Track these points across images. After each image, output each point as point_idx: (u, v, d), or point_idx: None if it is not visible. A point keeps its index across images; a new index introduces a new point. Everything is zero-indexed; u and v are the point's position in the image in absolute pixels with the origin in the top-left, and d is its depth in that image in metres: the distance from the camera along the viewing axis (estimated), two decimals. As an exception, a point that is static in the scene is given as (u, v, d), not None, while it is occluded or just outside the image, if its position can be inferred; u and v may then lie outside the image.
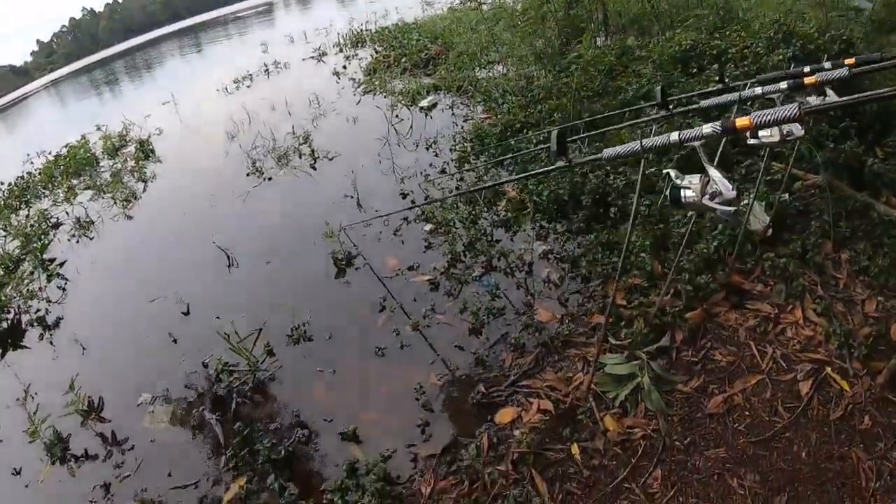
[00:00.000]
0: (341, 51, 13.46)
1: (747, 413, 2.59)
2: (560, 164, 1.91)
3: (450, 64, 8.97)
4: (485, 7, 8.44)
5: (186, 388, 3.47)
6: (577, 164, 1.92)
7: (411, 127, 6.93)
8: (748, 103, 3.00)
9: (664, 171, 1.75)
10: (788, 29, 4.86)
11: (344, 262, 4.36)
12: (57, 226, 6.80)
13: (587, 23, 7.44)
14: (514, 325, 3.33)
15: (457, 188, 4.99)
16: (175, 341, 3.93)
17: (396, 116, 7.43)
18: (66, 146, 10.07)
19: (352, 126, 7.69)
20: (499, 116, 6.04)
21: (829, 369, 2.69)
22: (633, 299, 3.20)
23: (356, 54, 12.54)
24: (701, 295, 3.14)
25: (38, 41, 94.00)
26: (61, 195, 7.88)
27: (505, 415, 2.79)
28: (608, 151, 1.89)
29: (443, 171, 5.43)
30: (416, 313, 3.62)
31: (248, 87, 11.99)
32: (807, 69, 2.50)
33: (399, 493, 2.55)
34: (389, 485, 2.58)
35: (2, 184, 9.10)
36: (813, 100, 2.38)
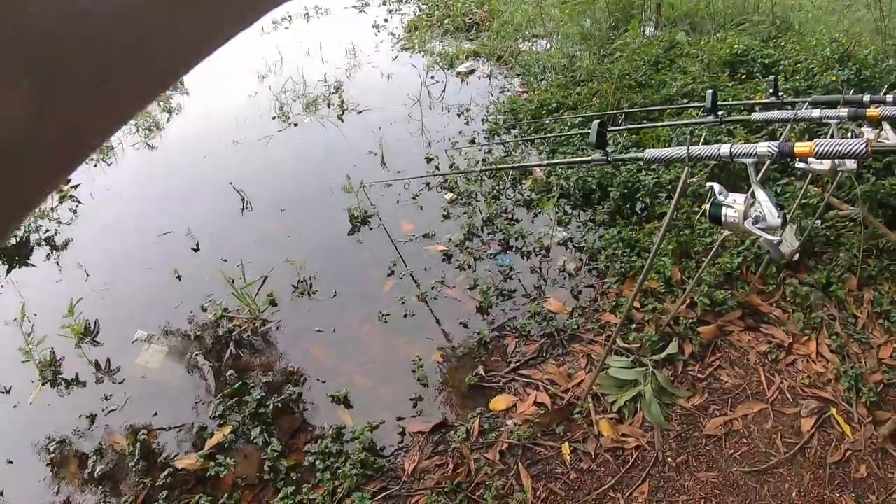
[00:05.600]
0: (385, 3, 13.21)
1: (745, 441, 2.53)
2: (597, 156, 1.79)
3: (493, 32, 8.74)
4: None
5: (184, 330, 3.43)
6: (615, 160, 1.80)
7: (444, 91, 6.76)
8: (800, 124, 2.85)
9: (708, 184, 1.63)
10: (846, 51, 4.64)
11: (359, 220, 4.27)
12: (76, 144, 6.69)
13: (639, 10, 7.21)
14: (522, 311, 3.26)
15: (483, 160, 4.85)
16: (179, 278, 3.88)
17: (432, 78, 7.21)
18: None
19: (385, 82, 7.47)
20: (536, 93, 5.87)
21: (833, 410, 2.62)
22: (648, 304, 3.11)
23: (399, 9, 12.26)
24: (717, 310, 3.05)
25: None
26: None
27: (500, 402, 2.73)
28: (651, 153, 1.77)
29: (472, 141, 5.29)
30: (425, 283, 3.55)
31: (287, 28, 11.76)
32: (866, 98, 2.37)
33: (381, 466, 2.51)
34: (373, 455, 2.54)
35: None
36: (868, 132, 2.25)
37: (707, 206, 1.60)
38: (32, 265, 4.40)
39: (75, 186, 5.50)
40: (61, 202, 5.31)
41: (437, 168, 4.85)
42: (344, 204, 4.37)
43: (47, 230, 4.85)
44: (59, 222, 4.95)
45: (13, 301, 3.82)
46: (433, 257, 3.80)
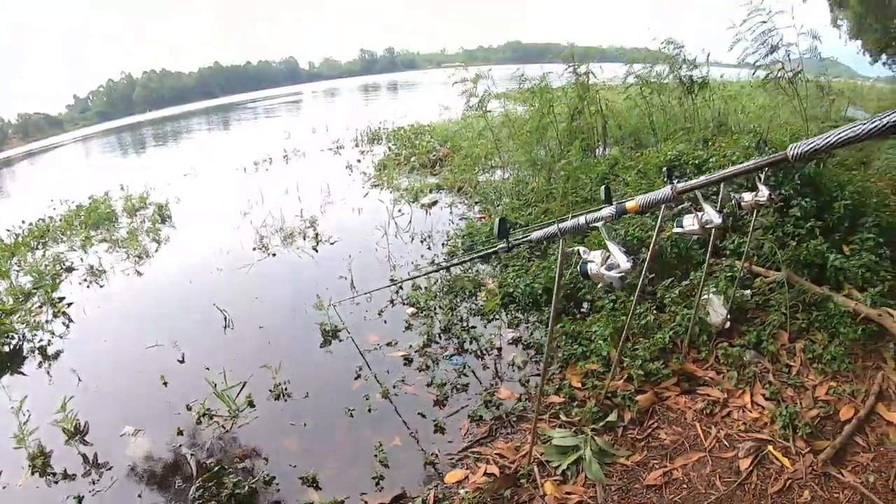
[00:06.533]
0: (357, 146, 14.33)
1: (685, 486, 2.79)
2: (501, 245, 2.41)
3: (454, 166, 9.67)
4: (493, 115, 9.18)
5: (169, 426, 3.73)
6: (513, 245, 2.39)
7: (410, 221, 7.48)
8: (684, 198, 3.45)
9: (575, 249, 2.18)
10: (762, 137, 5.40)
11: (330, 334, 4.71)
12: (70, 270, 7.11)
13: (587, 134, 8.08)
14: (475, 400, 3.66)
15: (441, 279, 5.42)
16: (166, 384, 4.23)
17: (399, 211, 8.00)
18: (89, 198, 10.51)
19: (356, 216, 8.21)
20: (492, 217, 6.59)
21: (770, 447, 2.90)
22: (588, 382, 3.53)
23: (371, 150, 13.35)
24: (653, 379, 3.47)
25: (74, 96, 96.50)
26: (78, 243, 8.17)
27: (454, 475, 3.06)
28: (536, 233, 2.34)
29: (431, 262, 5.92)
30: (388, 383, 3.96)
31: (267, 169, 12.63)
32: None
33: (346, 534, 2.80)
34: (339, 526, 2.84)
35: (23, 223, 9.42)
36: (747, 195, 2.88)
37: (578, 267, 2.10)
38: (23, 373, 4.73)
39: (69, 304, 5.91)
40: (55, 317, 5.70)
41: (402, 288, 5.40)
42: (316, 321, 4.85)
43: (41, 340, 5.23)
44: (53, 334, 5.34)
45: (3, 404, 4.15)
46: (395, 361, 4.23)
